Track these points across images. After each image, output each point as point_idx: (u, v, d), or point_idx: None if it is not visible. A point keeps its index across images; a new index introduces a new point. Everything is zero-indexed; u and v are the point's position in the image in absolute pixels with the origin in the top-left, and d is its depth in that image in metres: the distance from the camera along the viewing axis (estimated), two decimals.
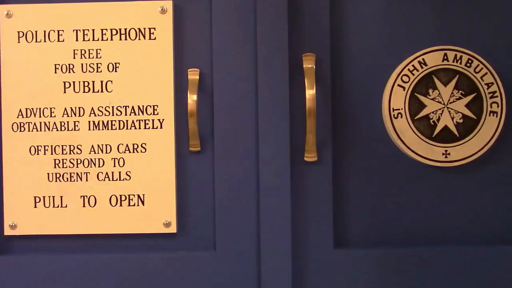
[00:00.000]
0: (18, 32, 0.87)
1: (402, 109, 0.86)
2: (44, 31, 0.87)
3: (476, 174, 0.89)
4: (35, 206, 0.88)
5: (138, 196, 0.87)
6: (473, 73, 0.85)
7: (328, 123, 0.88)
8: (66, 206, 0.88)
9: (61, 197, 0.88)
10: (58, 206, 0.88)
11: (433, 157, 0.86)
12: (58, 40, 0.88)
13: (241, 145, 0.87)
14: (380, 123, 0.89)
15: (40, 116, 0.88)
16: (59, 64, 0.88)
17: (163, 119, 0.87)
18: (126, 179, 0.87)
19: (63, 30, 0.88)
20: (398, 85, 0.86)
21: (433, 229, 0.90)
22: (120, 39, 0.87)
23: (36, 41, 0.88)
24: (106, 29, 0.87)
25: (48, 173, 0.88)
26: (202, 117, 0.88)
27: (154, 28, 0.87)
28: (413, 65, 0.85)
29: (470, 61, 0.85)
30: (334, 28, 0.89)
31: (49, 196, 0.88)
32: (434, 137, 0.86)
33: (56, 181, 0.88)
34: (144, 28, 0.87)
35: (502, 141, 0.88)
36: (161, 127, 0.87)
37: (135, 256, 0.87)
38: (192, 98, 0.86)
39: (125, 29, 0.87)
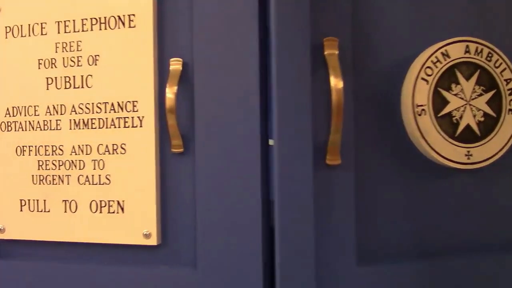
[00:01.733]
0: (6, 27, 0.84)
1: (425, 105, 0.75)
2: (29, 25, 0.83)
3: (497, 175, 0.80)
4: (21, 210, 0.83)
5: (118, 202, 0.79)
6: (493, 68, 0.77)
7: (350, 120, 0.73)
8: (49, 211, 0.82)
9: (44, 201, 0.82)
10: (41, 211, 0.82)
11: (456, 158, 0.75)
12: (42, 34, 0.82)
13: (229, 146, 0.74)
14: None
15: (25, 115, 0.83)
16: (42, 59, 0.82)
17: (143, 117, 0.78)
18: (106, 184, 0.79)
19: (46, 23, 0.82)
20: (422, 78, 0.75)
21: (467, 237, 0.79)
22: (100, 29, 0.79)
23: (22, 36, 0.83)
24: (86, 19, 0.80)
25: (33, 175, 0.82)
26: (187, 114, 0.76)
27: (134, 15, 0.78)
28: (436, 57, 0.75)
29: (490, 55, 0.77)
30: (355, 11, 0.75)
31: (34, 200, 0.82)
32: (457, 136, 0.76)
33: (39, 184, 0.82)
34: (124, 15, 0.78)
35: None
36: (141, 126, 0.78)
37: (113, 268, 0.78)
38: (171, 92, 0.74)
39: (105, 18, 0.79)
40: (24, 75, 0.82)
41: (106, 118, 0.79)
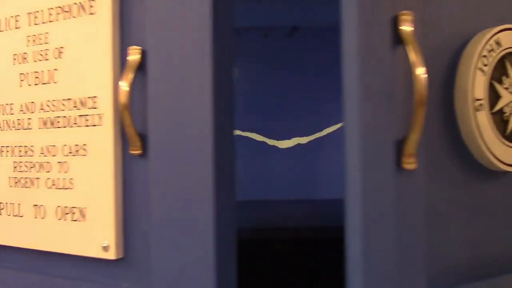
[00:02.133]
0: None
1: (483, 99, 0.65)
2: (5, 19, 0.78)
3: None
4: (0, 214, 0.79)
5: (80, 209, 0.71)
6: None
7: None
8: (22, 216, 0.77)
9: (19, 205, 0.77)
10: (16, 215, 0.77)
11: (506, 160, 0.67)
12: (16, 27, 0.77)
13: (183, 146, 0.62)
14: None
15: (2, 114, 0.79)
16: (16, 54, 0.77)
17: (102, 114, 0.69)
18: (69, 188, 0.72)
19: (19, 15, 0.77)
20: (479, 68, 0.65)
21: None
22: (65, 18, 0.72)
23: (0, 31, 0.79)
24: (53, 8, 0.73)
25: (9, 177, 0.78)
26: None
27: (94, 0, 0.69)
28: (490, 45, 0.66)
29: None
30: None
31: (10, 203, 0.78)
32: (507, 136, 0.67)
33: (14, 186, 0.77)
34: (84, 1, 0.70)
35: None
36: (100, 124, 0.69)
37: (70, 283, 0.70)
38: (126, 84, 0.65)
39: (68, 6, 0.72)
40: (1, 71, 0.78)
41: (70, 116, 0.72)
